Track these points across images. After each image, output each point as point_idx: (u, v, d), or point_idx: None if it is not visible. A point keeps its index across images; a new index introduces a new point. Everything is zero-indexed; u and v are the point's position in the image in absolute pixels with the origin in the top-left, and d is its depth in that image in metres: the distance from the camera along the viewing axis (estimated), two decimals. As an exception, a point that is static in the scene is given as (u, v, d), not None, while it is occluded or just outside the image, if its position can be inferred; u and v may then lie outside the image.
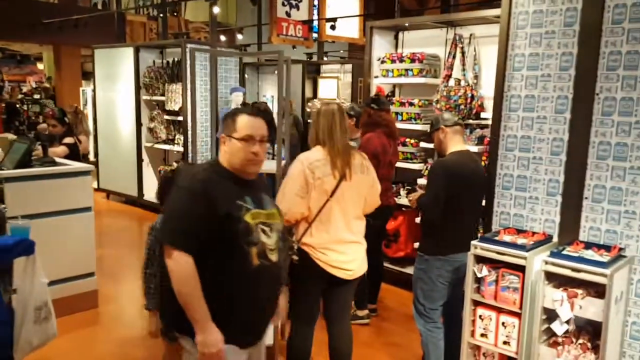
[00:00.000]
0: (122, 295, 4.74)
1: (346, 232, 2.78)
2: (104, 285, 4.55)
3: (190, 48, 4.26)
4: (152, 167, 7.70)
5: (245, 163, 2.00)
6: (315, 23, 8.42)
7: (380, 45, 5.22)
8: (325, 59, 11.50)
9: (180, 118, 6.97)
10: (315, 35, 8.38)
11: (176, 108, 7.04)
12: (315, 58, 11.79)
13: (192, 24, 11.73)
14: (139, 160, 7.62)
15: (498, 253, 2.75)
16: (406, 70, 4.85)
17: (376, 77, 5.12)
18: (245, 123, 2.01)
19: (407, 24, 5.14)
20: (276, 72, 10.23)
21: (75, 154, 4.80)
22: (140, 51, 7.57)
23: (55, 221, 3.96)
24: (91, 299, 4.30)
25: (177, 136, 7.21)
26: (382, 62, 5.03)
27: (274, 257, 2.02)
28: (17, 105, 10.74)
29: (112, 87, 7.99)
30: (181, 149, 7.03)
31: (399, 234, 5.02)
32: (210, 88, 6.99)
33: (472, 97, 4.41)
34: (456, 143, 3.08)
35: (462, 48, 4.57)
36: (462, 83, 4.52)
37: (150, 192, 7.62)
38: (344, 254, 2.77)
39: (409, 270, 4.77)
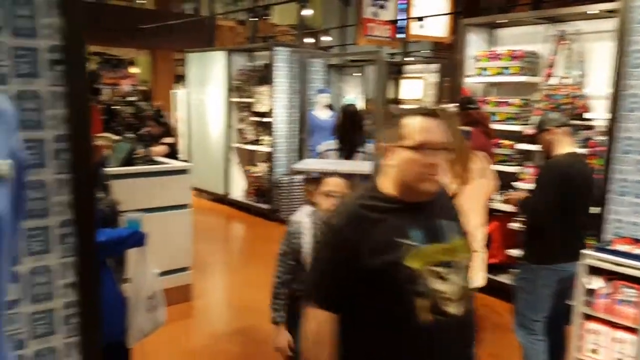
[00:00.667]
0: (214, 290, 4.89)
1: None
2: (196, 279, 4.73)
3: (291, 50, 4.32)
4: (239, 166, 7.93)
5: (419, 180, 1.45)
6: (402, 23, 8.30)
7: (473, 43, 5.04)
8: (407, 59, 11.33)
9: (268, 119, 7.11)
10: (401, 35, 8.26)
11: (264, 110, 7.20)
12: (397, 58, 11.65)
13: (278, 28, 11.97)
14: (227, 160, 7.86)
15: (615, 264, 2.55)
16: (503, 68, 4.65)
17: (469, 76, 4.95)
18: (417, 126, 1.47)
19: (503, 21, 4.94)
20: (354, 74, 10.20)
21: (173, 153, 5.02)
22: (231, 54, 7.82)
23: (156, 217, 4.14)
24: (186, 292, 4.47)
25: (264, 137, 7.36)
26: (477, 60, 4.86)
27: (454, 308, 1.44)
28: (114, 107, 11.46)
29: (203, 90, 8.30)
30: (267, 149, 7.18)
31: (491, 240, 4.82)
32: (296, 89, 7.13)
33: (578, 96, 4.15)
34: (566, 145, 2.89)
35: (566, 45, 4.30)
36: (566, 82, 4.26)
37: (237, 191, 7.84)
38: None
39: (502, 278, 4.57)
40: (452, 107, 3.75)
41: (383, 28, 7.60)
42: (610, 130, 2.95)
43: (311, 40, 10.20)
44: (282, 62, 7.01)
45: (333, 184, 2.36)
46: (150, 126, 5.16)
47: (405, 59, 11.35)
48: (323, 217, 2.04)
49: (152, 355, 3.37)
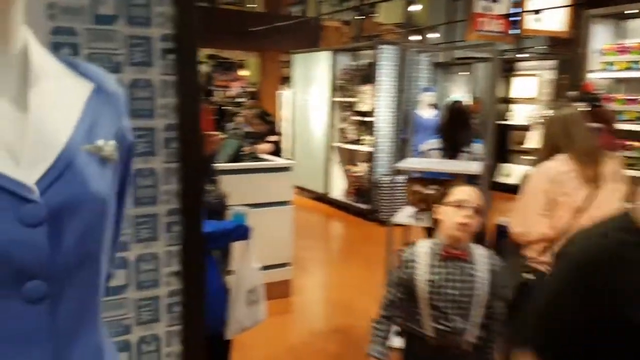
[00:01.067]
0: (313, 287, 4.90)
1: None
2: (296, 275, 4.76)
3: (396, 47, 4.20)
4: (340, 166, 7.93)
5: None
6: (515, 17, 7.82)
7: (598, 36, 4.60)
8: (520, 55, 10.68)
9: (369, 119, 7.03)
10: (515, 30, 7.79)
11: (366, 109, 7.13)
12: (509, 55, 11.02)
13: (384, 26, 11.85)
14: (328, 159, 7.89)
15: None
16: (633, 62, 4.20)
17: (592, 71, 4.52)
18: None
19: (633, 11, 4.45)
20: (461, 72, 9.77)
21: (277, 151, 5.11)
22: (336, 54, 7.84)
23: (259, 212, 4.21)
24: (285, 288, 4.51)
25: (365, 137, 7.29)
26: (603, 54, 4.42)
27: None
28: (224, 108, 12.04)
29: (307, 90, 8.40)
30: (368, 149, 7.09)
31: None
32: (400, 88, 6.97)
33: None
34: None
35: None
36: None
37: (337, 190, 7.84)
38: None
39: None
40: (579, 104, 3.41)
41: (495, 23, 7.21)
42: None
43: (417, 37, 9.95)
44: (386, 60, 6.89)
45: (464, 193, 1.98)
46: (255, 125, 5.31)
47: (518, 55, 10.72)
48: (489, 246, 1.68)
49: (250, 348, 3.43)
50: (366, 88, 7.16)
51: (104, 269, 0.72)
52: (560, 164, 2.39)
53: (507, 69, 9.92)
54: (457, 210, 1.95)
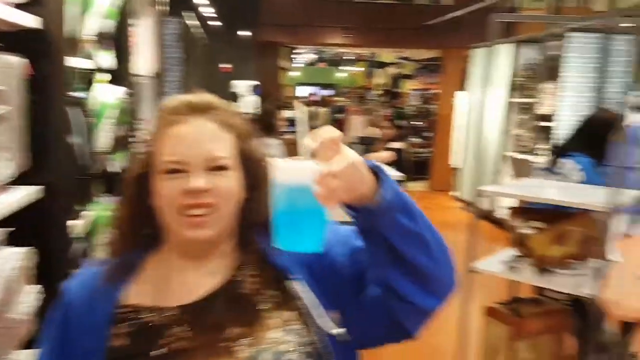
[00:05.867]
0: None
1: None
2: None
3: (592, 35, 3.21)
4: (511, 179, 6.72)
5: None
6: None
7: None
8: None
9: (549, 124, 5.75)
10: None
11: (545, 111, 5.86)
12: None
13: (597, 12, 9.70)
14: (497, 171, 6.78)
15: None
16: None
17: None
18: None
19: None
20: None
21: (400, 160, 4.41)
22: (520, 47, 6.67)
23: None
24: None
25: (542, 145, 6.00)
26: None
27: None
28: (403, 110, 11.49)
29: (485, 90, 7.37)
30: (543, 160, 5.79)
31: None
32: (592, 86, 5.53)
33: None
34: None
35: None
36: None
37: (504, 208, 6.64)
38: None
39: None
40: None
41: None
42: None
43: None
44: (576, 51, 5.54)
45: None
46: (383, 128, 4.68)
47: None
48: None
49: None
50: (549, 86, 5.88)
51: None
52: None
53: None
54: None
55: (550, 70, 5.99)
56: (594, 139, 2.73)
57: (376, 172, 0.82)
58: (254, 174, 0.95)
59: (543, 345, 2.79)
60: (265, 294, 0.92)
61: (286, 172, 0.82)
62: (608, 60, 5.47)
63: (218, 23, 7.71)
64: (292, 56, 15.68)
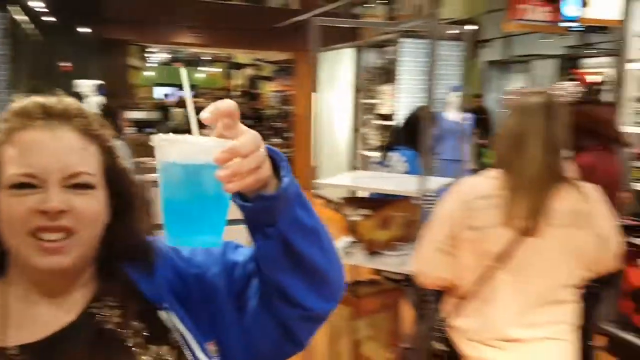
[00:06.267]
0: None
1: (518, 324, 1.63)
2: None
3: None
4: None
5: None
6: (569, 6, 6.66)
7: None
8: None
9: (390, 122, 6.28)
10: (569, 21, 6.64)
11: (386, 111, 6.38)
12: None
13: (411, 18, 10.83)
14: (353, 168, 7.20)
15: None
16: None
17: (632, 61, 3.52)
18: None
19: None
20: (517, 71, 8.68)
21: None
22: (361, 51, 7.15)
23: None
24: None
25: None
26: (645, 39, 3.42)
27: None
28: (262, 111, 11.67)
29: (332, 92, 7.80)
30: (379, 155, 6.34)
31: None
32: (423, 88, 6.16)
33: None
34: None
35: None
36: None
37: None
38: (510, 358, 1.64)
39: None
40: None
41: (540, 10, 6.14)
42: None
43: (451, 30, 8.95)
44: (409, 56, 6.12)
45: None
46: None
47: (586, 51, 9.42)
48: None
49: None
50: (387, 88, 6.42)
51: None
52: (485, 184, 1.62)
53: (570, 67, 8.81)
54: None
55: (388, 73, 6.54)
56: (415, 134, 3.08)
57: (273, 157, 0.73)
58: (122, 193, 0.82)
59: (380, 322, 3.07)
60: (133, 328, 0.80)
61: (179, 148, 0.67)
62: (436, 64, 6.11)
63: (52, 18, 7.16)
64: (146, 55, 15.04)
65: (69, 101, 0.81)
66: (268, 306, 0.80)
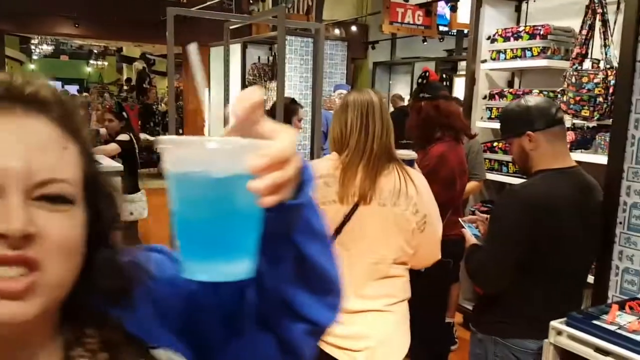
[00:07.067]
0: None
1: (352, 295, 1.77)
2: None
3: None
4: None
5: None
6: (444, 11, 7.19)
7: (493, 20, 3.95)
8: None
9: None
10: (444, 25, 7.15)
11: (268, 107, 6.47)
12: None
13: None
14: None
15: (598, 350, 1.51)
16: (523, 50, 3.56)
17: (484, 61, 3.89)
18: None
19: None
20: (404, 72, 9.13)
21: (130, 154, 4.47)
22: (247, 47, 7.19)
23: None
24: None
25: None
26: (492, 40, 3.79)
27: None
28: (154, 107, 11.32)
29: (224, 86, 7.77)
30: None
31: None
32: (309, 85, 6.33)
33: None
34: (555, 156, 1.85)
35: (602, 15, 3.14)
36: (602, 65, 3.10)
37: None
38: (348, 332, 1.77)
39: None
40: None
41: (415, 14, 6.55)
42: (619, 130, 1.87)
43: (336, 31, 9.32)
44: (294, 53, 6.26)
45: None
46: (108, 120, 4.67)
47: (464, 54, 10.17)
48: None
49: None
50: (274, 84, 6.51)
51: None
52: (324, 164, 1.79)
53: (450, 69, 9.39)
54: None
55: (274, 70, 6.64)
56: (285, 123, 3.19)
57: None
58: (101, 212, 0.59)
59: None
60: None
61: (195, 153, 0.52)
62: (322, 62, 6.31)
63: None
64: (28, 46, 14.02)
65: (43, 82, 0.57)
66: (267, 324, 0.68)
